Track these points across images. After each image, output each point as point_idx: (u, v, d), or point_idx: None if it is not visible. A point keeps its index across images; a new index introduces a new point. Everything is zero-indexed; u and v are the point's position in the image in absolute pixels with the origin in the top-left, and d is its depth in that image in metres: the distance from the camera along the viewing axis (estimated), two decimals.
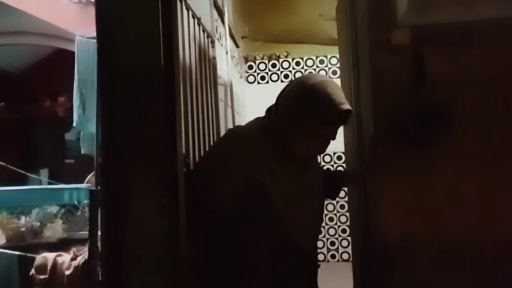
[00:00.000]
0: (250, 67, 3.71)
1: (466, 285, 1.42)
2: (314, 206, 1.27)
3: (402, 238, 1.44)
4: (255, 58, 3.68)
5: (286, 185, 1.19)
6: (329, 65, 3.77)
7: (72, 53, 3.19)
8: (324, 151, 1.24)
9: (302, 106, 1.14)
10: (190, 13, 1.46)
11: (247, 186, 1.15)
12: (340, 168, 3.66)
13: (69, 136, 4.78)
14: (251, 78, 3.72)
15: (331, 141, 1.20)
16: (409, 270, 1.43)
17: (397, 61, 1.45)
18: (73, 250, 2.09)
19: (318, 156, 1.41)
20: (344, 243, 3.83)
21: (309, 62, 3.78)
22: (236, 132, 1.29)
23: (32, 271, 2.03)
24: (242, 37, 3.21)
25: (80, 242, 2.40)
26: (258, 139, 1.20)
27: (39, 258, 2.07)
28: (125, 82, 1.13)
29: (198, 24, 1.58)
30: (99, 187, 1.88)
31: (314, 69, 3.77)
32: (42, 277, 1.99)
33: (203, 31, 1.67)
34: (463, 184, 1.43)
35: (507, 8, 1.37)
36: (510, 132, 1.42)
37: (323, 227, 3.80)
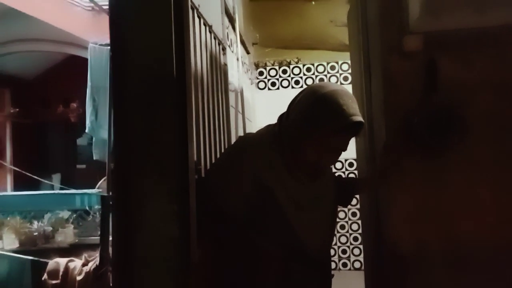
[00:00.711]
0: (261, 73, 3.71)
1: None
2: (326, 214, 1.26)
3: (415, 246, 1.41)
4: (265, 65, 3.68)
5: (297, 192, 1.18)
6: (340, 71, 3.76)
7: (85, 59, 3.24)
8: (335, 162, 1.23)
9: (313, 116, 1.12)
10: (202, 20, 1.47)
11: (257, 192, 1.15)
12: (351, 175, 3.63)
13: (81, 141, 4.84)
14: (261, 84, 3.72)
15: (344, 151, 1.18)
16: (422, 278, 1.41)
17: (409, 66, 1.44)
18: (85, 255, 2.11)
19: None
20: (356, 251, 3.78)
21: (320, 68, 3.77)
22: (247, 138, 1.30)
23: (45, 276, 2.05)
24: (253, 44, 3.22)
25: (91, 247, 2.42)
26: (269, 146, 1.19)
27: (51, 263, 2.09)
28: (137, 88, 1.14)
29: (210, 32, 1.59)
30: (110, 193, 1.89)
31: (325, 75, 3.76)
32: (54, 282, 2.01)
33: (215, 38, 1.68)
34: (476, 190, 1.41)
35: None
36: None
37: (335, 235, 3.76)
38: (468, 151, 1.41)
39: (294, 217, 1.17)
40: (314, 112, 1.12)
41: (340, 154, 1.18)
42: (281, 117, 1.23)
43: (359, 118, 1.11)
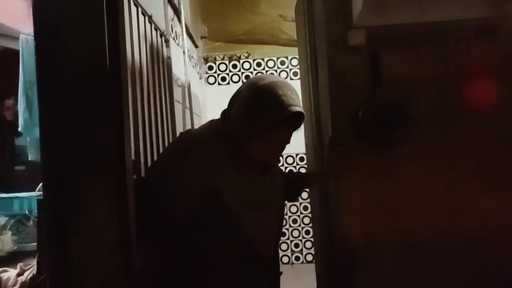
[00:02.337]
0: (210, 68, 3.64)
1: (428, 282, 1.45)
2: (275, 211, 1.24)
3: (364, 238, 1.44)
4: (215, 59, 3.62)
5: (244, 190, 1.15)
6: (290, 66, 3.78)
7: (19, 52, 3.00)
8: (279, 156, 1.20)
9: (252, 110, 1.09)
10: (140, 9, 1.39)
11: (201, 192, 1.10)
12: (302, 170, 3.67)
13: (20, 141, 4.50)
14: (211, 79, 3.65)
15: (287, 144, 1.15)
16: (371, 269, 1.44)
17: (354, 61, 1.45)
18: (20, 264, 1.95)
19: (280, 158, 1.38)
20: (308, 244, 3.84)
21: (270, 63, 3.76)
22: (190, 135, 1.23)
23: None
24: (201, 37, 3.15)
25: (32, 254, 2.25)
26: (213, 143, 1.15)
27: None
28: (66, 82, 1.04)
29: (150, 22, 1.51)
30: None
31: (275, 70, 3.77)
32: None
33: (156, 29, 1.59)
34: (423, 183, 1.45)
35: (459, 10, 1.40)
36: (468, 130, 1.46)
37: (287, 229, 3.79)
38: (414, 145, 1.45)
39: (242, 217, 1.13)
40: (253, 105, 1.09)
41: (283, 148, 1.16)
42: (224, 113, 1.19)
43: (298, 108, 1.08)
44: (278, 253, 1.33)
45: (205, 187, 1.10)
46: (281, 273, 1.30)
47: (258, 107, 1.08)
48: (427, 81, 1.46)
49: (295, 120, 1.12)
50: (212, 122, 1.21)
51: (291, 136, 1.15)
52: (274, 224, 1.24)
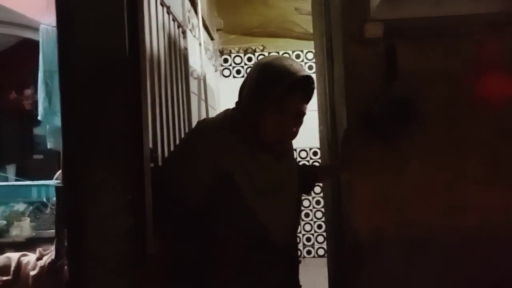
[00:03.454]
0: (226, 61, 3.65)
1: (435, 277, 1.44)
2: (290, 199, 1.23)
3: (373, 232, 1.44)
4: (230, 52, 3.62)
5: (259, 177, 1.15)
6: (305, 60, 3.76)
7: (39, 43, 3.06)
8: (296, 131, 1.18)
9: (261, 82, 1.11)
10: (159, 0, 1.41)
11: (214, 178, 1.11)
12: (316, 164, 3.67)
13: (38, 130, 4.60)
14: (226, 72, 3.66)
15: (302, 117, 1.15)
16: (380, 263, 1.44)
17: (370, 54, 1.44)
18: (39, 249, 2.00)
19: (294, 152, 1.38)
20: (320, 238, 3.85)
21: None
22: (204, 123, 1.24)
23: None
24: (217, 30, 3.15)
25: (49, 240, 2.31)
26: (227, 130, 1.16)
27: (2, 258, 1.97)
28: (87, 71, 1.07)
29: (168, 13, 1.52)
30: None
31: None
32: (4, 278, 1.90)
33: (173, 20, 1.61)
34: (432, 178, 1.45)
35: (476, 5, 1.39)
36: (478, 126, 1.45)
37: (299, 222, 3.80)
38: (425, 139, 1.44)
39: (256, 204, 1.13)
40: (261, 79, 1.12)
41: (299, 121, 1.16)
42: (237, 103, 1.21)
43: (305, 72, 1.11)
44: (295, 242, 1.32)
45: (218, 173, 1.11)
46: (300, 261, 1.30)
47: (266, 79, 1.11)
48: (439, 75, 1.45)
49: (305, 88, 1.13)
50: (227, 111, 1.23)
51: (304, 106, 1.15)
52: (289, 212, 1.23)
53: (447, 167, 1.45)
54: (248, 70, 3.71)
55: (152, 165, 1.18)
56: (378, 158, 1.45)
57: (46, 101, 2.66)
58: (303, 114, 1.15)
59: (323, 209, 3.86)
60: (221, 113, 1.24)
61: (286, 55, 3.77)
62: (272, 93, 1.09)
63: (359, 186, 1.45)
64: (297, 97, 1.13)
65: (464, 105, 1.45)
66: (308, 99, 1.16)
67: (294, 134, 1.18)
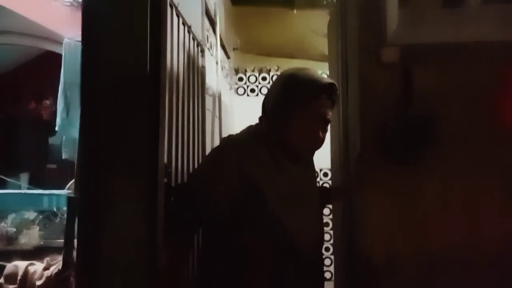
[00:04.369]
0: (240, 79, 3.70)
1: None
2: (313, 209, 1.24)
3: (388, 255, 1.41)
4: (245, 71, 3.67)
5: (284, 186, 1.16)
6: None
7: (61, 56, 3.15)
8: (323, 138, 1.21)
9: (287, 91, 1.15)
10: (181, 19, 1.45)
11: (243, 189, 1.12)
12: (326, 185, 3.64)
13: (53, 140, 4.68)
14: (240, 90, 3.71)
15: (328, 123, 1.19)
16: (393, 286, 1.40)
17: (386, 77, 1.45)
18: (47, 259, 2.01)
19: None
20: (327, 261, 3.79)
21: None
22: (231, 137, 1.27)
23: (1, 280, 1.94)
24: (234, 49, 3.21)
25: (57, 250, 2.31)
26: (253, 142, 1.18)
27: (9, 266, 1.98)
28: (109, 84, 1.10)
29: (189, 32, 1.57)
30: (77, 194, 1.82)
31: None
32: (11, 286, 1.90)
33: (193, 39, 1.65)
34: (449, 201, 1.42)
35: (495, 31, 1.39)
36: (496, 149, 1.43)
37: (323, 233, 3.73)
38: (441, 162, 1.42)
39: (282, 212, 1.14)
40: (286, 88, 1.15)
41: (325, 128, 1.19)
42: (261, 118, 1.24)
43: (330, 80, 1.16)
44: (320, 253, 1.32)
45: (246, 184, 1.12)
46: (324, 276, 1.30)
47: (291, 88, 1.15)
48: (458, 99, 1.45)
49: (329, 95, 1.16)
50: (250, 127, 1.25)
51: (328, 112, 1.19)
52: (313, 222, 1.23)
53: (465, 191, 1.43)
54: (262, 89, 3.76)
55: (165, 180, 1.20)
56: (394, 181, 1.43)
57: (64, 112, 2.72)
58: (329, 120, 1.19)
59: (331, 232, 3.81)
60: (245, 129, 1.26)
61: None
62: (298, 100, 1.13)
63: (373, 209, 1.44)
64: (323, 104, 1.17)
65: (484, 129, 1.44)
66: (332, 105, 1.20)
67: (322, 141, 1.21)
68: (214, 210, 1.15)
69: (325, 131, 1.20)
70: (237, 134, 1.26)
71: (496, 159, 1.43)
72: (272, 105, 1.17)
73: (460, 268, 1.40)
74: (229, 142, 1.23)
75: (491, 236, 1.40)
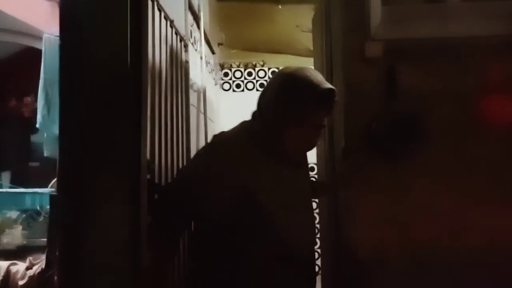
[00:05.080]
0: (226, 75, 3.68)
1: None
2: (307, 211, 1.23)
3: (374, 250, 1.43)
4: (231, 66, 3.65)
5: (278, 190, 1.14)
6: None
7: (41, 51, 3.08)
8: (316, 142, 1.19)
9: (283, 95, 1.11)
10: (162, 14, 1.42)
11: (233, 193, 1.10)
12: (312, 179, 3.65)
13: (36, 138, 4.58)
14: (226, 86, 3.69)
15: (323, 128, 1.18)
16: (381, 282, 1.42)
17: (370, 73, 1.46)
18: (29, 258, 1.98)
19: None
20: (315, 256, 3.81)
21: None
22: (221, 137, 1.22)
23: None
24: (219, 44, 3.18)
25: (40, 249, 2.27)
26: (245, 143, 1.15)
27: None
28: (89, 80, 1.07)
29: (171, 27, 1.54)
30: (59, 192, 1.79)
31: None
32: None
33: (176, 34, 1.63)
34: (435, 197, 1.44)
35: (480, 27, 1.40)
36: (483, 145, 1.45)
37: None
38: (428, 158, 1.44)
39: (276, 216, 1.12)
40: (284, 91, 1.11)
41: (319, 132, 1.17)
42: (254, 113, 1.20)
43: (328, 85, 1.11)
44: (313, 254, 1.31)
45: (237, 188, 1.10)
46: (317, 274, 1.29)
47: (289, 91, 1.10)
48: (443, 95, 1.46)
49: (326, 100, 1.12)
50: (243, 123, 1.22)
51: (325, 117, 1.16)
52: (307, 224, 1.22)
53: (452, 187, 1.44)
54: (248, 84, 3.75)
55: (148, 176, 1.18)
56: (380, 176, 1.44)
57: (45, 109, 2.67)
58: (324, 126, 1.18)
59: (318, 225, 3.83)
60: (237, 125, 1.23)
61: None
62: (295, 106, 1.10)
63: (359, 203, 1.44)
64: (319, 110, 1.14)
65: (470, 125, 1.45)
66: (330, 111, 1.17)
67: (314, 145, 1.20)
68: (206, 211, 1.13)
69: (319, 135, 1.18)
70: (229, 132, 1.23)
71: (483, 155, 1.45)
72: (267, 106, 1.14)
73: (447, 263, 1.42)
74: (221, 141, 1.19)
75: (477, 231, 1.42)
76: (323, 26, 1.72)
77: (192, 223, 1.25)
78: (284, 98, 1.10)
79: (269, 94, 1.15)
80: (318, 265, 3.80)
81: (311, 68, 1.17)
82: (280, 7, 2.89)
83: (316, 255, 3.94)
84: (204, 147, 1.29)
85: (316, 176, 3.05)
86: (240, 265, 1.12)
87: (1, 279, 1.84)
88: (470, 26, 1.40)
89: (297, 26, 2.97)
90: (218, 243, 1.14)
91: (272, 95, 1.13)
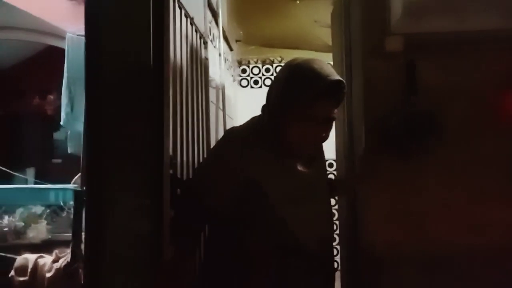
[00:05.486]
0: (244, 71, 3.69)
1: None
2: (320, 206, 1.20)
3: (390, 246, 1.42)
4: (248, 62, 3.66)
5: (287, 184, 1.13)
6: None
7: (64, 50, 3.15)
8: (326, 136, 1.14)
9: (290, 86, 1.07)
10: (183, 12, 1.44)
11: (242, 185, 1.11)
12: (331, 176, 3.64)
13: (58, 135, 4.70)
14: (244, 82, 3.70)
15: (333, 121, 1.12)
16: (396, 278, 1.41)
17: (390, 68, 1.44)
18: (56, 252, 2.04)
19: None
20: (334, 252, 3.80)
21: None
22: (232, 132, 1.23)
23: (12, 272, 1.96)
24: (236, 41, 3.19)
25: (64, 243, 2.34)
26: (255, 138, 1.15)
27: (20, 259, 2.01)
28: (113, 78, 1.10)
29: (191, 24, 1.56)
30: (84, 188, 1.84)
31: None
32: (21, 279, 1.93)
33: (196, 31, 1.65)
34: (451, 194, 1.42)
35: (499, 21, 1.37)
36: (499, 142, 1.43)
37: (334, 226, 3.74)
38: (444, 155, 1.42)
39: (285, 211, 1.11)
40: (291, 83, 1.08)
41: (329, 126, 1.13)
42: (263, 107, 1.19)
43: (337, 76, 1.07)
44: (330, 249, 1.27)
45: (247, 182, 1.10)
46: (336, 269, 1.27)
47: (296, 82, 1.07)
48: (460, 91, 1.44)
49: (335, 92, 1.09)
50: (253, 118, 1.22)
51: (333, 110, 1.11)
52: (320, 219, 1.19)
53: (467, 184, 1.42)
54: (266, 81, 3.75)
55: (171, 171, 1.20)
56: (397, 172, 1.43)
57: (68, 106, 2.73)
58: (333, 119, 1.12)
59: (337, 222, 3.81)
60: (248, 120, 1.23)
61: None
62: (301, 99, 1.06)
63: (376, 200, 1.44)
64: (327, 103, 1.09)
65: (486, 121, 1.43)
66: (338, 103, 1.13)
67: (323, 139, 1.15)
68: (216, 206, 1.14)
69: (328, 129, 1.13)
70: (239, 127, 1.23)
71: (499, 153, 1.42)
72: (274, 98, 1.12)
73: (461, 262, 1.40)
74: (230, 136, 1.20)
75: (493, 230, 1.40)
76: (342, 20, 1.71)
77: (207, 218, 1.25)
78: (291, 89, 1.07)
79: (276, 86, 1.13)
80: (337, 261, 3.79)
81: (319, 59, 1.12)
82: (298, 2, 2.87)
83: (335, 251, 3.90)
84: (217, 142, 1.30)
85: (335, 172, 3.03)
86: (250, 260, 1.12)
87: (30, 271, 1.90)
88: (490, 20, 1.37)
89: (315, 21, 2.95)
90: (229, 237, 1.14)
91: (279, 87, 1.11)
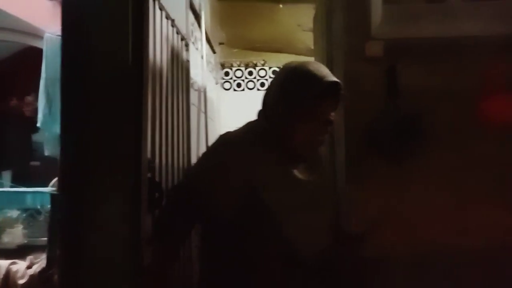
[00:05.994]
0: (227, 74, 3.68)
1: None
2: (320, 215, 1.18)
3: (376, 250, 1.42)
4: (231, 65, 3.66)
5: (286, 190, 1.11)
6: None
7: (42, 51, 3.08)
8: (324, 139, 1.15)
9: (288, 89, 1.08)
10: (164, 13, 1.43)
11: (240, 193, 1.09)
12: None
13: (36, 137, 4.59)
14: (227, 85, 3.69)
15: (331, 123, 1.13)
16: (382, 281, 1.42)
17: (371, 72, 1.45)
18: (30, 257, 1.98)
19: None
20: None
21: None
22: (228, 137, 1.20)
23: None
24: (219, 43, 3.19)
25: (41, 248, 2.28)
26: (253, 143, 1.13)
27: None
28: (90, 79, 1.08)
29: (172, 26, 1.55)
30: (60, 191, 1.80)
31: None
32: None
33: (177, 33, 1.63)
34: (437, 196, 1.43)
35: (480, 26, 1.40)
36: (484, 145, 1.45)
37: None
38: (430, 157, 1.43)
39: (284, 218, 1.09)
40: (288, 85, 1.08)
41: (327, 126, 1.13)
42: (259, 112, 1.18)
43: (333, 78, 1.08)
44: (329, 260, 1.25)
45: (243, 187, 1.08)
46: (334, 280, 1.25)
47: (293, 85, 1.07)
48: (444, 94, 1.46)
49: (333, 93, 1.09)
50: (249, 123, 1.20)
51: (331, 111, 1.12)
52: (319, 228, 1.17)
53: (453, 187, 1.43)
54: (249, 84, 3.76)
55: (149, 175, 1.18)
56: (382, 176, 1.43)
57: (46, 108, 2.67)
58: (331, 121, 1.13)
59: None
60: (243, 126, 1.20)
61: None
62: (300, 101, 1.07)
63: (361, 203, 1.44)
64: (325, 105, 1.10)
65: (471, 125, 1.44)
66: (336, 105, 1.13)
67: (322, 142, 1.16)
68: (212, 209, 1.12)
69: (327, 132, 1.14)
70: (235, 131, 1.20)
71: (485, 154, 1.44)
72: (272, 102, 1.11)
73: (448, 263, 1.41)
74: (228, 141, 1.17)
75: (480, 230, 1.42)
76: (323, 25, 1.72)
77: (200, 223, 1.23)
78: (289, 92, 1.08)
79: (273, 90, 1.13)
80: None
81: (315, 62, 1.16)
82: (281, 6, 2.89)
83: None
84: (211, 145, 1.27)
85: None
86: (244, 265, 1.10)
87: (2, 278, 1.84)
88: (471, 26, 1.40)
89: (298, 25, 2.97)
90: (224, 242, 1.12)
91: (276, 90, 1.11)
